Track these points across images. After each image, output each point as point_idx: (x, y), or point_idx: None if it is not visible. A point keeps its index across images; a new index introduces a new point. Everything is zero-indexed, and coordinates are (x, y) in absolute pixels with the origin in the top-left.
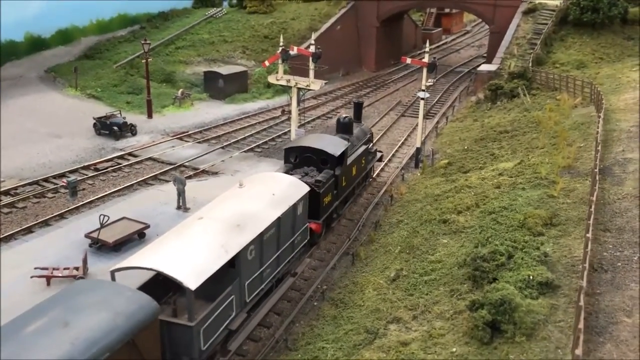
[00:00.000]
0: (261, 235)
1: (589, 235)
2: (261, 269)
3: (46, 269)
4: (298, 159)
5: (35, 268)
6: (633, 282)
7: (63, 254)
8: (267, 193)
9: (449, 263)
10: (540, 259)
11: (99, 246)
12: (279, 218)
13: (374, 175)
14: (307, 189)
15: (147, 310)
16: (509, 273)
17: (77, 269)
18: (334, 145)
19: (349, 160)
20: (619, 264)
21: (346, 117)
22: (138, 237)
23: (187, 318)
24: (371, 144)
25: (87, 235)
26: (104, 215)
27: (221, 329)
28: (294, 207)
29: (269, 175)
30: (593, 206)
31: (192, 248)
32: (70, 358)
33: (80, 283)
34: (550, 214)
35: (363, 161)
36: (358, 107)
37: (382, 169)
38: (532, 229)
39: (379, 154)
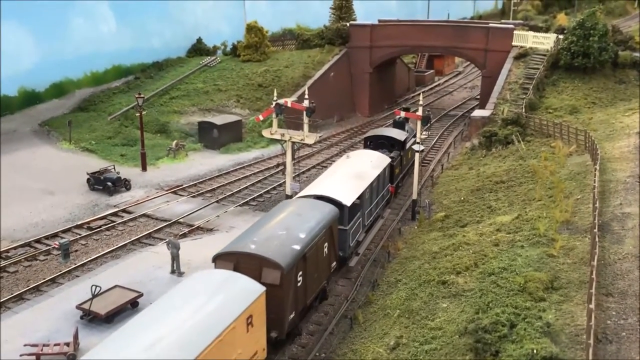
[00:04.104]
0: (371, 183)
1: (592, 306)
2: (371, 206)
3: (36, 345)
4: (372, 144)
5: (25, 345)
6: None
7: (54, 326)
8: (368, 160)
9: (450, 331)
10: (543, 329)
11: (90, 318)
12: (378, 175)
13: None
14: (389, 160)
15: (334, 211)
16: (512, 346)
17: (67, 344)
18: (398, 134)
19: (407, 146)
20: (624, 333)
21: (400, 117)
22: (131, 307)
23: (343, 225)
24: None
25: (78, 307)
26: (96, 286)
27: (357, 236)
28: (383, 170)
29: (364, 151)
30: (594, 272)
31: (338, 186)
32: (309, 226)
33: (289, 200)
34: (551, 276)
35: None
36: (406, 111)
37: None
38: (533, 294)
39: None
